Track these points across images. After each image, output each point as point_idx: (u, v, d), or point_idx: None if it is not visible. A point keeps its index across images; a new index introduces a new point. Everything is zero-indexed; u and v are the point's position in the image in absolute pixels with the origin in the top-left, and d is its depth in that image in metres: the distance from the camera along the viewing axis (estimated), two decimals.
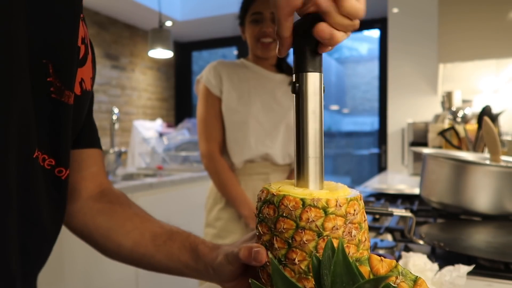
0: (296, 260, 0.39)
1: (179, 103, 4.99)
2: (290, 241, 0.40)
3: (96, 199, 0.64)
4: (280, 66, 1.61)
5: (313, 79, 0.41)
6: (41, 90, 0.50)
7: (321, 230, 0.39)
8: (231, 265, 0.49)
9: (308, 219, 0.39)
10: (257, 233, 0.44)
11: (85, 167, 0.64)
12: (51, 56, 0.51)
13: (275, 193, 0.41)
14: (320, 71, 0.42)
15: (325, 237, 0.39)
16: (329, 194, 0.41)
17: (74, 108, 0.58)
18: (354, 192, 0.43)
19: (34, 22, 0.49)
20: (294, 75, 0.42)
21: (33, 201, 0.51)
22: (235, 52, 4.53)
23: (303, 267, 0.39)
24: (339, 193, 0.41)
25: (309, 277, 0.39)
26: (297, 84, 0.41)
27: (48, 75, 0.51)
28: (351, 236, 0.40)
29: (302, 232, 0.39)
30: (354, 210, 0.40)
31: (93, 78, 0.66)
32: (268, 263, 0.43)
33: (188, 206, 2.58)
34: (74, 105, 0.58)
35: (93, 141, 0.67)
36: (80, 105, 0.61)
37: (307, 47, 0.41)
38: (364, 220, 0.42)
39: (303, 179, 0.42)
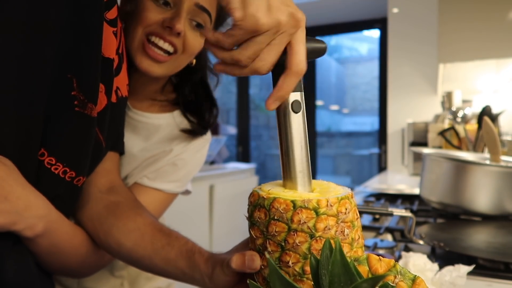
0: (290, 263, 0.39)
1: None
2: (283, 244, 0.40)
3: (105, 194, 0.65)
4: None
5: (290, 100, 0.42)
6: (66, 104, 0.53)
7: (313, 231, 0.39)
8: (226, 276, 0.49)
9: (300, 220, 0.39)
10: (250, 237, 0.44)
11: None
12: (75, 71, 0.53)
13: (265, 196, 0.41)
14: (301, 90, 0.42)
15: (318, 238, 0.38)
16: (319, 194, 0.41)
17: (110, 114, 0.61)
18: (345, 191, 0.42)
19: (62, 39, 0.51)
20: None
21: None
22: None
23: (297, 269, 0.39)
24: (329, 193, 0.41)
25: (304, 279, 0.39)
26: (280, 105, 0.42)
27: (72, 89, 0.53)
28: (344, 235, 0.40)
29: (294, 234, 0.39)
30: (346, 209, 0.40)
31: (129, 84, 0.68)
32: (263, 267, 0.43)
33: (188, 206, 2.58)
34: (110, 112, 0.60)
35: (115, 146, 0.68)
36: (116, 111, 0.63)
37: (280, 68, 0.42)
38: (357, 218, 0.42)
39: (291, 185, 0.43)
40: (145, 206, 0.69)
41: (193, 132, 0.85)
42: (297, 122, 0.42)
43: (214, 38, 0.41)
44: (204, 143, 0.89)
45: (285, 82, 0.42)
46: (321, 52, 0.45)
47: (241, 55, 0.40)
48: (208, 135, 0.90)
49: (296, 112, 0.42)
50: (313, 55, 0.45)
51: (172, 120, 0.86)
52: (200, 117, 0.87)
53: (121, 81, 0.65)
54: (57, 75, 0.51)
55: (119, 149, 0.70)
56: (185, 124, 0.86)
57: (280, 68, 0.42)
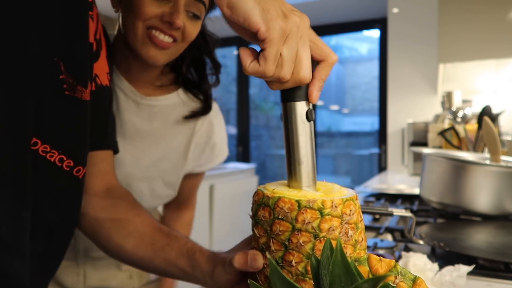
0: (293, 262, 0.39)
1: None
2: (287, 243, 0.40)
3: (102, 197, 0.64)
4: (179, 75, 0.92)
5: (300, 109, 0.42)
6: (54, 88, 0.51)
7: (317, 231, 0.39)
8: (228, 274, 0.49)
9: (304, 220, 0.39)
10: (253, 236, 0.44)
11: (92, 164, 0.64)
12: (62, 54, 0.51)
13: (270, 195, 0.41)
14: (307, 99, 0.43)
15: (322, 239, 0.39)
16: (324, 195, 0.41)
17: (91, 104, 0.58)
18: (349, 192, 0.42)
19: (44, 23, 0.50)
20: (282, 105, 0.43)
21: (33, 196, 0.51)
22: (235, 52, 4.53)
23: (300, 269, 0.39)
24: (334, 194, 0.41)
25: (307, 279, 0.39)
26: (286, 114, 0.43)
27: (60, 73, 0.51)
28: (348, 237, 0.40)
29: (298, 234, 0.39)
30: (350, 211, 0.40)
31: (110, 73, 0.66)
32: (265, 265, 0.43)
33: None
34: (90, 100, 0.57)
35: (106, 143, 0.67)
36: (97, 100, 0.61)
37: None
38: (361, 220, 0.42)
39: (296, 184, 0.43)
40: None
41: (199, 114, 0.91)
42: (306, 129, 0.42)
43: (253, 70, 0.40)
44: (220, 118, 0.98)
45: (324, 71, 0.43)
46: None
47: (283, 72, 0.40)
48: (215, 107, 0.96)
49: (309, 121, 0.42)
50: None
51: (178, 99, 0.89)
52: (202, 91, 0.92)
53: (100, 68, 0.62)
54: (43, 59, 0.49)
55: (112, 147, 0.69)
56: (189, 100, 0.91)
57: None
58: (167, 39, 0.75)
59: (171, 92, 0.89)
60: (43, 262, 0.56)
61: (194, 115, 0.90)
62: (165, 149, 0.89)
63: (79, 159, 0.56)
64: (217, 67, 0.93)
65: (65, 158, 0.53)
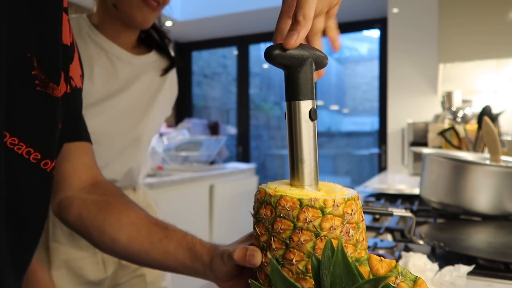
0: (294, 261, 0.39)
1: (179, 103, 4.98)
2: (288, 241, 0.40)
3: (90, 191, 0.63)
4: (148, 41, 1.12)
5: (304, 108, 0.42)
6: (26, 83, 0.51)
7: (318, 230, 0.39)
8: (226, 266, 0.49)
9: (306, 219, 0.39)
10: (255, 234, 0.44)
11: (75, 157, 0.63)
12: (35, 50, 0.51)
13: (272, 194, 0.41)
14: (313, 98, 0.43)
15: (323, 237, 0.39)
16: (326, 194, 0.41)
17: (66, 105, 0.58)
18: (351, 192, 0.43)
19: (17, 18, 0.49)
20: (286, 104, 0.43)
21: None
22: (235, 52, 4.53)
23: (300, 267, 0.39)
24: (336, 194, 0.41)
25: (307, 277, 0.39)
26: (290, 113, 0.43)
27: (33, 69, 0.51)
28: (349, 236, 0.40)
29: (299, 233, 0.39)
30: (352, 210, 0.40)
31: (82, 76, 0.66)
32: (265, 264, 0.43)
33: (188, 206, 2.58)
34: (65, 102, 0.58)
35: (82, 135, 0.67)
36: (71, 102, 0.61)
37: (302, 75, 0.42)
38: (362, 220, 0.42)
39: (299, 183, 0.43)
40: None
41: (170, 67, 1.13)
42: (309, 128, 0.42)
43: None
44: (175, 71, 1.19)
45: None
46: (323, 64, 0.46)
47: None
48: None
49: (312, 120, 0.42)
50: (316, 66, 0.45)
51: (155, 57, 1.11)
52: (165, 49, 1.13)
53: (74, 70, 0.63)
54: (15, 53, 0.49)
55: (87, 139, 0.69)
56: (161, 57, 1.12)
57: (294, 67, 0.42)
58: (155, 3, 0.95)
59: (149, 52, 1.10)
60: (15, 256, 0.54)
61: (168, 69, 1.11)
62: (159, 100, 1.09)
63: (47, 152, 0.55)
64: (165, 32, 1.16)
65: (32, 151, 0.52)
